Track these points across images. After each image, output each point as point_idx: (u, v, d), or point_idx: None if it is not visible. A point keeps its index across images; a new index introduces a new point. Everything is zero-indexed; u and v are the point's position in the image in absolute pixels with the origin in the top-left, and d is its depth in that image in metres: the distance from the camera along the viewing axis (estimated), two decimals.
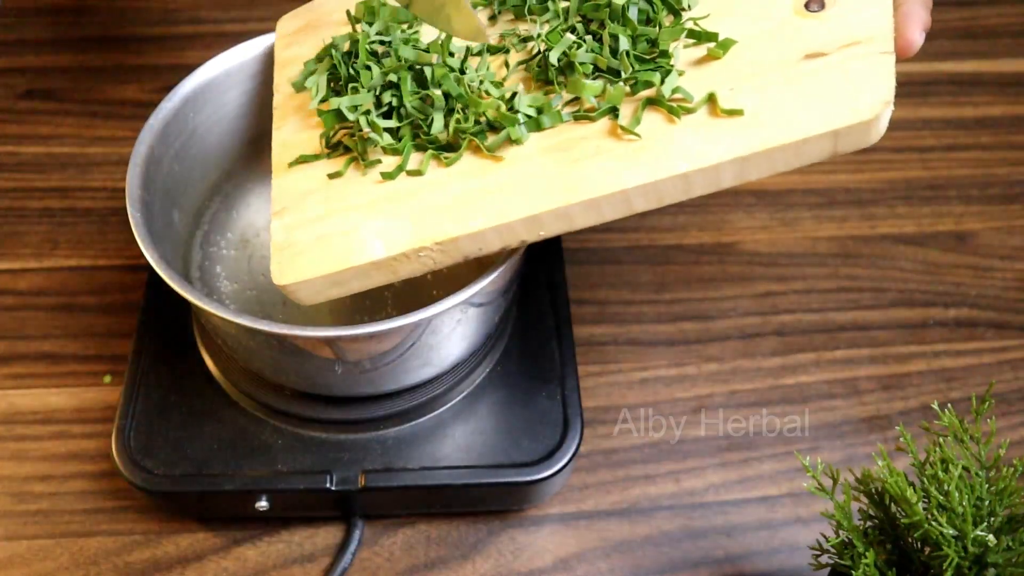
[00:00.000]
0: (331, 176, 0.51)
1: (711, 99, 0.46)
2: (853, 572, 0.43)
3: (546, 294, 0.63)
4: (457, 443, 0.56)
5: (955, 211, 0.78)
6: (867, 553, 0.43)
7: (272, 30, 0.60)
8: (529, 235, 0.48)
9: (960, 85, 0.87)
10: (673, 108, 0.46)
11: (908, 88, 0.86)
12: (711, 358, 0.68)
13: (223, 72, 0.60)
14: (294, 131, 0.54)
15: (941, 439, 0.45)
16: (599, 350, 0.68)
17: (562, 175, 0.47)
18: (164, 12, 0.91)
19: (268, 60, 0.61)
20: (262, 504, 0.55)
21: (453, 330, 0.53)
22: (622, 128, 0.47)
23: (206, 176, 0.62)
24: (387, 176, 0.49)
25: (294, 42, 0.58)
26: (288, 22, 0.59)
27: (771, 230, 0.76)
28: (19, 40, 0.88)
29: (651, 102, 0.47)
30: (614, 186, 0.45)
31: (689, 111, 0.46)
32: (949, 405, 0.48)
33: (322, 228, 0.49)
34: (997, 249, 0.76)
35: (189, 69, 0.59)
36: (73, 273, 0.71)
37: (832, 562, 0.46)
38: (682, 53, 0.49)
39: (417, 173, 0.49)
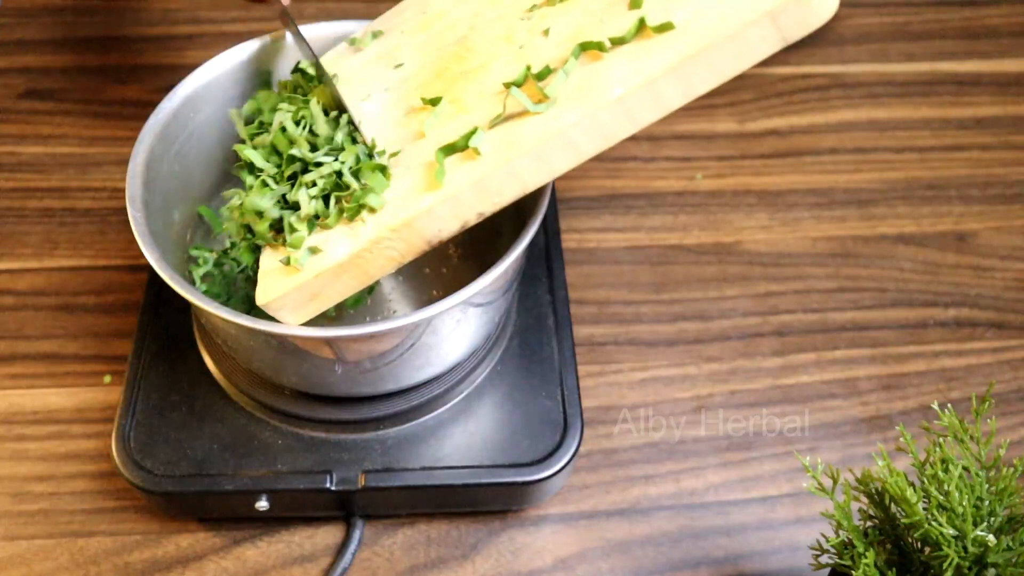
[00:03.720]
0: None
1: (641, 24, 0.45)
2: (853, 572, 0.43)
3: (546, 294, 0.63)
4: (457, 443, 0.56)
5: (955, 211, 0.78)
6: (867, 553, 0.43)
7: (272, 30, 0.61)
8: (483, 204, 0.48)
9: (960, 85, 0.87)
10: (602, 44, 0.46)
11: (908, 88, 0.86)
12: (711, 358, 0.68)
13: (223, 72, 0.60)
14: None
15: (941, 439, 0.45)
16: (599, 350, 0.68)
17: (505, 137, 0.47)
18: (164, 12, 0.91)
19: (267, 61, 0.61)
20: (262, 504, 0.55)
21: (453, 330, 0.53)
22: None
23: (206, 176, 0.62)
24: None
25: None
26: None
27: (771, 230, 0.76)
28: (19, 40, 0.88)
29: (585, 48, 0.47)
30: (554, 130, 0.45)
31: (622, 42, 0.46)
32: (949, 405, 0.48)
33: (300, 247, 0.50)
34: (997, 249, 0.76)
35: (189, 69, 0.59)
36: (73, 273, 0.71)
37: (832, 562, 0.46)
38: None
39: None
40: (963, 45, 0.91)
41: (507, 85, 0.49)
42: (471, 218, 0.48)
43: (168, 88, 0.58)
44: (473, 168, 0.47)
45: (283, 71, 0.62)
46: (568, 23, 0.50)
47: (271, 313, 0.50)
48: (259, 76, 0.61)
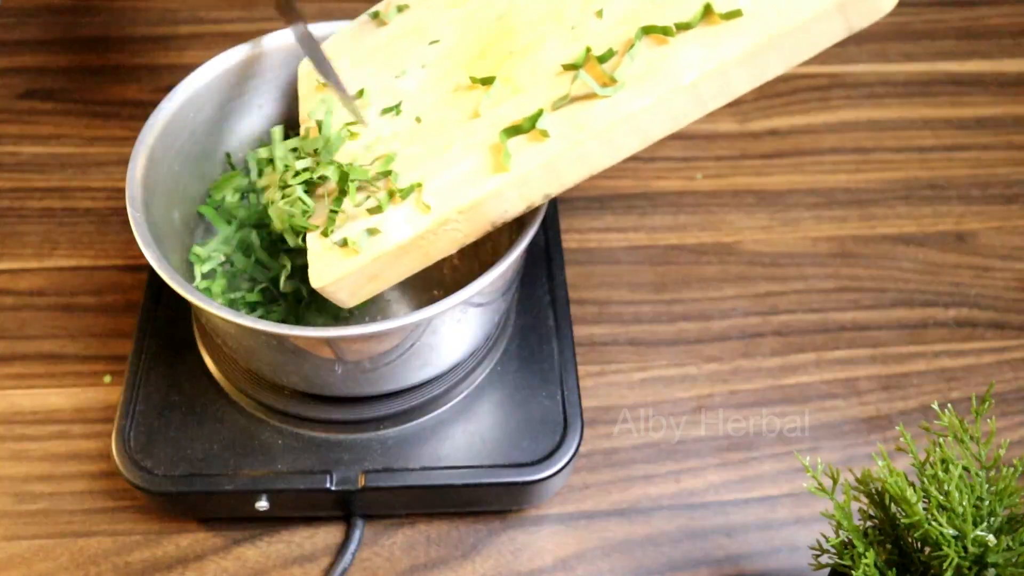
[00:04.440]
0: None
1: (707, 9, 0.45)
2: (853, 572, 0.43)
3: (546, 294, 0.63)
4: (457, 443, 0.56)
5: (955, 211, 0.78)
6: (867, 553, 0.43)
7: (272, 30, 0.61)
8: (551, 187, 0.47)
9: (960, 85, 0.87)
10: (667, 29, 0.46)
11: (908, 88, 0.86)
12: (711, 358, 0.68)
13: (223, 72, 0.60)
14: None
15: (941, 439, 0.45)
16: (599, 350, 0.68)
17: (571, 119, 0.46)
18: (164, 12, 0.91)
19: (268, 60, 0.61)
20: (262, 504, 0.55)
21: (453, 330, 0.53)
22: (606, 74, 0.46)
23: (206, 176, 0.62)
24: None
25: (311, 81, 0.59)
26: (305, 65, 0.61)
27: (771, 230, 0.76)
28: (19, 40, 0.88)
29: (648, 31, 0.46)
30: (623, 113, 0.45)
31: (687, 27, 0.45)
32: (949, 405, 0.48)
33: (353, 227, 0.50)
34: (997, 249, 0.76)
35: (189, 69, 0.59)
36: (73, 273, 0.71)
37: (832, 562, 0.46)
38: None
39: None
40: (963, 45, 0.91)
41: (567, 67, 0.48)
42: (538, 199, 0.48)
43: (168, 88, 0.58)
44: (541, 150, 0.46)
45: (283, 71, 0.62)
46: (622, 4, 0.49)
47: (327, 296, 0.49)
48: (260, 76, 0.61)
